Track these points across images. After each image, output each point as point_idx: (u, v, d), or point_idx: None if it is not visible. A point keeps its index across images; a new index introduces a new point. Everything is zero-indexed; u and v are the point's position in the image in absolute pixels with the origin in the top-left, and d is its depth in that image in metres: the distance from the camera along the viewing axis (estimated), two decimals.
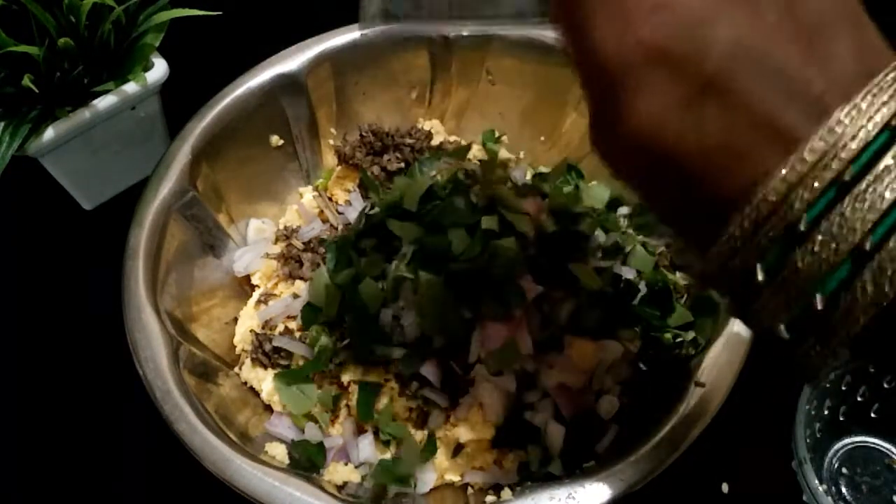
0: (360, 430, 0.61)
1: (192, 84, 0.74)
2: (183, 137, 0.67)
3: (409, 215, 0.60)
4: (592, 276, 0.61)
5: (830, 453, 0.68)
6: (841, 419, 0.67)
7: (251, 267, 0.70)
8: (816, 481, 0.59)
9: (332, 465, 0.59)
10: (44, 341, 0.75)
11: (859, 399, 0.67)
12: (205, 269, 0.68)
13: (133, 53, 0.75)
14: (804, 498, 0.62)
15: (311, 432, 0.60)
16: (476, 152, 0.75)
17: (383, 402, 0.60)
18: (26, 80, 0.66)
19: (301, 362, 0.63)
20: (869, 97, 0.26)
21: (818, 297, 0.26)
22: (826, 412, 0.66)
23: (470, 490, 0.59)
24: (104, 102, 0.73)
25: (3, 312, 0.77)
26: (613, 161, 0.31)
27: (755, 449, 0.68)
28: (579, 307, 0.61)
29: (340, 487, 0.57)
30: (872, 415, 0.68)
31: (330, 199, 0.73)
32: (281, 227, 0.72)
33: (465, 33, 0.74)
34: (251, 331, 0.65)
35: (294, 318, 0.64)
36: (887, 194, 0.25)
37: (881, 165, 0.26)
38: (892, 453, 0.67)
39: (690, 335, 0.62)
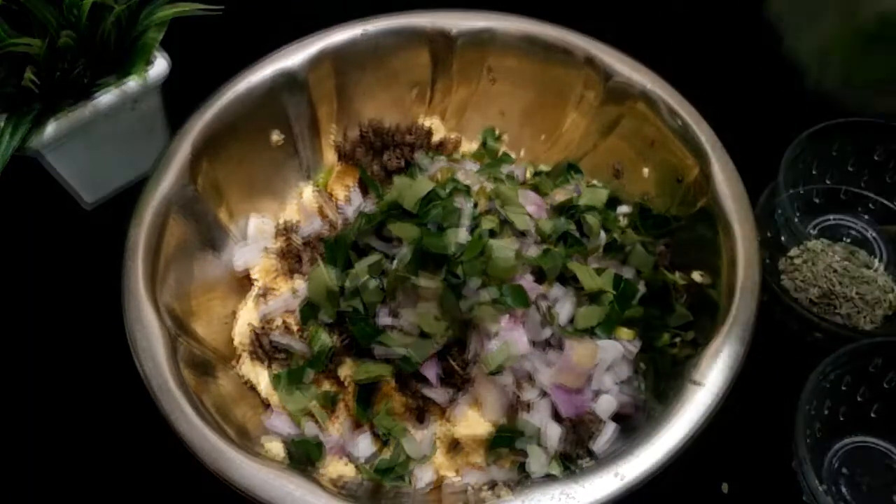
0: (357, 426, 0.61)
1: (192, 81, 0.73)
2: (183, 134, 0.67)
3: (409, 215, 0.60)
4: (593, 275, 0.61)
5: (830, 453, 0.67)
6: (841, 419, 0.67)
7: (251, 263, 0.70)
8: (816, 481, 0.59)
9: (329, 461, 0.59)
10: (43, 336, 0.75)
11: (859, 399, 0.67)
12: (204, 265, 0.68)
13: (134, 50, 0.75)
14: (804, 498, 0.62)
15: (309, 429, 0.60)
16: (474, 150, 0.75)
17: (381, 399, 0.60)
18: (27, 77, 0.66)
19: (301, 362, 0.63)
20: None
21: None
22: (826, 412, 0.66)
23: (469, 488, 0.59)
24: (105, 99, 0.73)
25: (2, 308, 0.77)
26: None
27: (755, 449, 0.67)
28: (579, 307, 0.61)
29: (337, 483, 0.57)
30: (872, 415, 0.67)
31: (330, 196, 0.73)
32: (280, 223, 0.72)
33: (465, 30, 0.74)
34: (250, 326, 0.65)
35: (293, 314, 0.65)
36: None
37: None
38: (892, 453, 0.67)
39: (689, 335, 0.62)
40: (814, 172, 0.80)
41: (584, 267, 0.62)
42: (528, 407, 0.58)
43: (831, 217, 0.81)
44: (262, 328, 0.64)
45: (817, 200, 0.80)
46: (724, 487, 0.66)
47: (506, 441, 0.57)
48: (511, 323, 0.57)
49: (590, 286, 0.61)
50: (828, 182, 0.80)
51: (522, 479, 0.56)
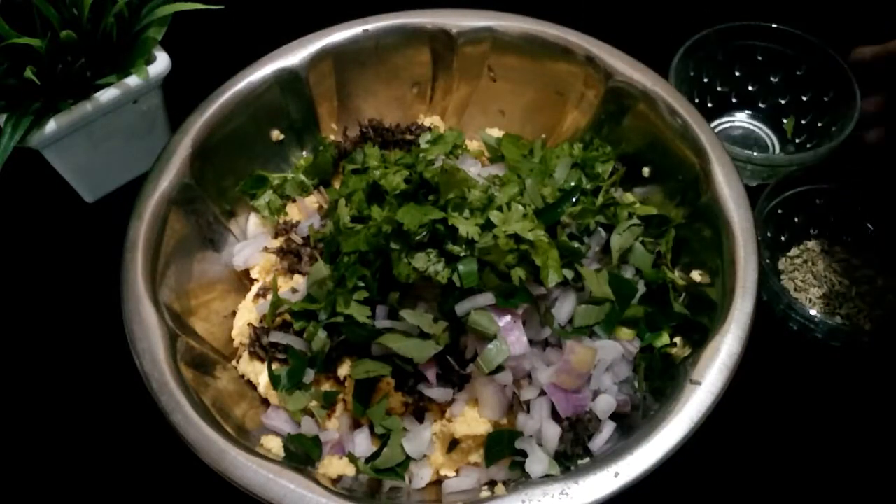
0: (356, 425, 0.61)
1: (193, 78, 0.74)
2: (184, 131, 0.67)
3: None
4: (601, 281, 0.61)
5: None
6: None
7: (250, 261, 0.70)
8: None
9: (327, 459, 0.59)
10: (42, 331, 0.75)
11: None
12: (204, 262, 0.68)
13: (135, 47, 0.75)
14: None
15: (308, 426, 0.60)
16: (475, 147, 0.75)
17: (380, 397, 0.60)
18: (28, 73, 0.66)
19: (300, 360, 0.63)
20: None
21: None
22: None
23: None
24: (106, 95, 0.73)
25: (3, 302, 0.77)
26: None
27: (755, 448, 0.67)
28: (579, 306, 0.61)
29: (335, 481, 0.57)
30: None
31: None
32: (281, 222, 0.72)
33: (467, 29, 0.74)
34: (249, 324, 0.65)
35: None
36: None
37: None
38: None
39: (688, 334, 0.62)
40: (705, 80, 0.87)
41: (591, 272, 0.61)
42: (526, 406, 0.58)
43: (726, 120, 0.89)
44: (262, 326, 0.64)
45: (710, 105, 0.88)
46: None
47: (504, 441, 0.57)
48: (511, 323, 0.57)
49: (597, 292, 0.61)
50: (718, 88, 0.88)
51: (521, 479, 0.56)
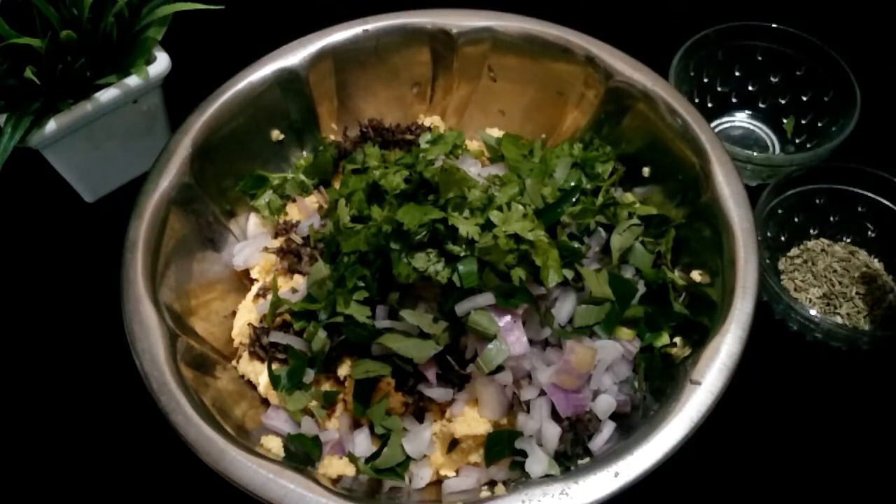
0: (356, 425, 0.61)
1: (193, 79, 0.74)
2: (184, 131, 0.67)
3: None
4: (602, 282, 0.61)
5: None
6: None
7: (250, 261, 0.70)
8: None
9: (327, 459, 0.59)
10: (43, 331, 0.75)
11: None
12: (204, 262, 0.68)
13: (135, 47, 0.75)
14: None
15: (308, 426, 0.60)
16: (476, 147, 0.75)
17: (380, 397, 0.60)
18: (28, 72, 0.66)
19: (300, 361, 0.63)
20: None
21: None
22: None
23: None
24: (106, 95, 0.73)
25: (3, 302, 0.77)
26: None
27: (754, 448, 0.67)
28: (579, 306, 0.61)
29: (335, 481, 0.57)
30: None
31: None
32: (280, 222, 0.72)
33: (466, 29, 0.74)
34: (249, 324, 0.65)
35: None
36: None
37: None
38: None
39: (688, 334, 0.62)
40: (705, 80, 0.88)
41: (591, 272, 0.61)
42: (526, 406, 0.58)
43: (726, 120, 0.90)
44: (262, 326, 0.65)
45: (710, 105, 0.89)
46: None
47: (504, 441, 0.57)
48: (511, 323, 0.57)
49: (597, 292, 0.61)
50: (718, 88, 0.89)
51: (521, 479, 0.56)
